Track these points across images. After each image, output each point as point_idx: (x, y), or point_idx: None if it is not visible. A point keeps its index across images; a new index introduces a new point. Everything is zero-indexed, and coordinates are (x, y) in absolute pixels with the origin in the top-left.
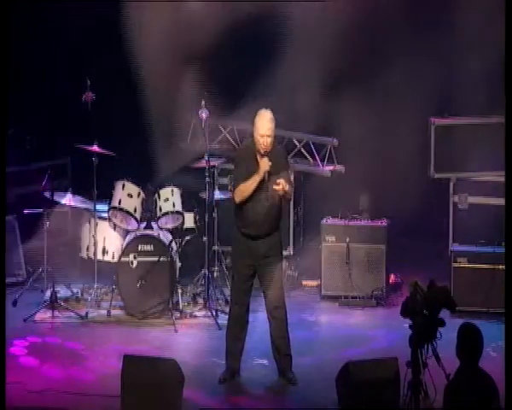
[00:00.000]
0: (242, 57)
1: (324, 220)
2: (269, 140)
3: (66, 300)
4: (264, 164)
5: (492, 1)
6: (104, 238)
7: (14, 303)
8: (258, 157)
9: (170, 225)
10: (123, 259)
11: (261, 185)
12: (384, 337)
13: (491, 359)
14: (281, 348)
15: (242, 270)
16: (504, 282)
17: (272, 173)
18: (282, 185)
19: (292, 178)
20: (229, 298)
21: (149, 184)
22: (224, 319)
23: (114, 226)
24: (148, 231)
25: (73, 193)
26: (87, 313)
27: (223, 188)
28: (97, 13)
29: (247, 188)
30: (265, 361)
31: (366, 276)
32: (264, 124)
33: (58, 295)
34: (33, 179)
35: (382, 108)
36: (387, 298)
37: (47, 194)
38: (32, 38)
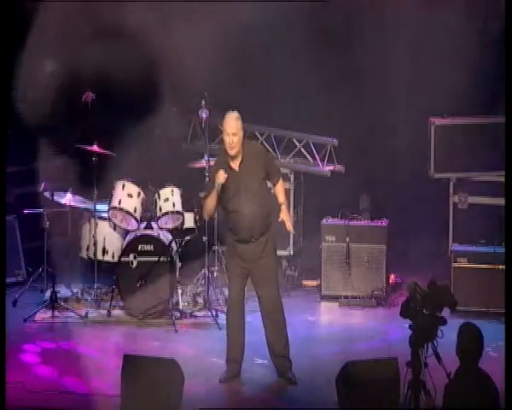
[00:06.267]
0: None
1: (324, 220)
2: (234, 139)
3: (66, 300)
4: (219, 177)
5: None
6: (104, 238)
7: (14, 303)
8: (231, 163)
9: (170, 225)
10: (123, 259)
11: (239, 190)
12: (384, 337)
13: (491, 359)
14: (277, 350)
15: (235, 270)
16: (504, 282)
17: (252, 172)
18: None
19: (291, 177)
20: None
21: (149, 184)
22: (223, 319)
23: (114, 226)
24: (148, 231)
25: (73, 193)
26: (87, 313)
27: None
28: (97, 12)
29: (207, 204)
30: (265, 361)
31: (366, 276)
32: (229, 122)
33: (58, 295)
34: (33, 179)
35: (382, 107)
36: (387, 298)
37: (47, 194)
38: (32, 38)
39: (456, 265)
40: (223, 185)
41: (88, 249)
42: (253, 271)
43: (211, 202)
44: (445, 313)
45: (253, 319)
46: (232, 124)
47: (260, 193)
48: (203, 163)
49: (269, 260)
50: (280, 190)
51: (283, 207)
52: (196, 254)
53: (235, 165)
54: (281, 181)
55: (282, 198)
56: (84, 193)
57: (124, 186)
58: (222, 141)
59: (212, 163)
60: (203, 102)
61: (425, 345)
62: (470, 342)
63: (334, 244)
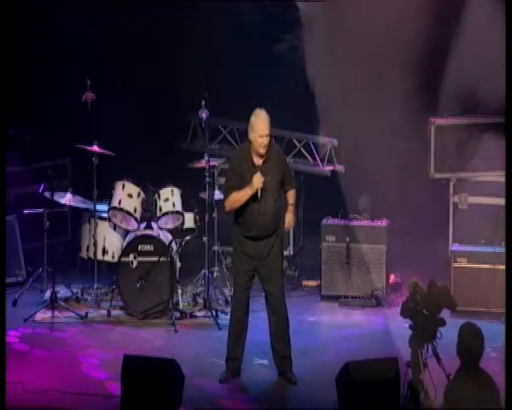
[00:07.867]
0: (244, 58)
1: (324, 220)
2: (268, 139)
3: (66, 300)
4: (258, 181)
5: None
6: (104, 238)
7: (14, 303)
8: (255, 159)
9: (170, 225)
10: (123, 259)
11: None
12: (384, 337)
13: (491, 359)
14: (280, 350)
15: (242, 269)
16: (504, 282)
17: (272, 172)
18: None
19: (293, 173)
20: (229, 298)
21: (149, 184)
22: (223, 320)
23: (114, 226)
24: (148, 231)
25: (73, 193)
26: (87, 313)
27: (223, 188)
28: (98, 12)
29: (238, 199)
30: (265, 361)
31: (366, 276)
32: (263, 124)
33: (58, 295)
34: (33, 179)
35: (383, 107)
36: (387, 298)
37: (47, 194)
38: (33, 38)
39: (456, 265)
40: (243, 180)
41: (88, 249)
42: (259, 268)
43: (241, 200)
44: (445, 313)
45: (254, 319)
46: (266, 125)
47: (276, 193)
48: (203, 163)
49: (276, 258)
50: (292, 194)
51: (290, 208)
52: (196, 254)
53: (258, 162)
54: (294, 190)
55: (291, 200)
56: (84, 193)
57: (124, 186)
58: (249, 138)
59: (212, 163)
60: (203, 102)
61: (425, 345)
62: (471, 342)
63: (334, 244)
